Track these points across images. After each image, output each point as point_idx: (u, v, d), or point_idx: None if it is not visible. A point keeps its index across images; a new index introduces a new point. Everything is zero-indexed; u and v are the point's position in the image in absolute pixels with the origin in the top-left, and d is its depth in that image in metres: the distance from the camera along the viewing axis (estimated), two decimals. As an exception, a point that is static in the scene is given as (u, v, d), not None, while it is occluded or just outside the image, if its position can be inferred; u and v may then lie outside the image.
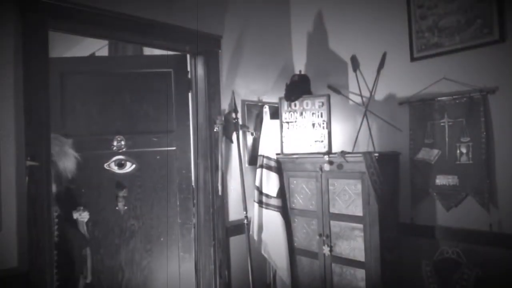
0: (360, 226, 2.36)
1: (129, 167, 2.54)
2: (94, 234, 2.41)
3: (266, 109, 2.77)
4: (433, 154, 2.41)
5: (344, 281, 2.44)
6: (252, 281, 2.55)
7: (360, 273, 2.36)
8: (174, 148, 2.65)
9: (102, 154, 2.50)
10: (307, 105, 2.70)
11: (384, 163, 2.29)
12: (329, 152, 2.56)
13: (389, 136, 2.60)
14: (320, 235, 2.55)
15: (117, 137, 2.52)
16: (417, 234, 2.48)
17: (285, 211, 2.73)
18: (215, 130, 2.60)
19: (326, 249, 2.51)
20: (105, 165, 2.50)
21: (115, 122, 2.55)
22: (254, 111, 2.90)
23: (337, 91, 2.84)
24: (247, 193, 2.66)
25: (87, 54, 3.70)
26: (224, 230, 2.64)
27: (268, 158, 2.68)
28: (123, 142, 2.54)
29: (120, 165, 2.52)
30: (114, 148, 2.52)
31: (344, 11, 2.94)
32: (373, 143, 2.55)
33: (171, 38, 2.46)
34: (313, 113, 2.68)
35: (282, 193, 2.71)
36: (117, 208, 2.48)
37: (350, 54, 2.84)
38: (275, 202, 2.65)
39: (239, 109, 2.76)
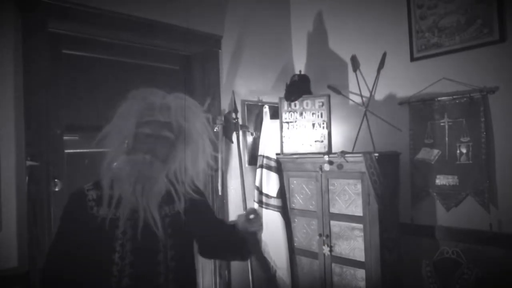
0: (360, 226, 2.36)
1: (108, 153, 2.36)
2: None
3: (266, 109, 2.77)
4: (433, 154, 2.41)
5: (344, 281, 2.44)
6: (252, 281, 2.55)
7: (360, 273, 2.36)
8: None
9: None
10: (307, 105, 2.70)
11: (384, 163, 2.29)
12: (329, 152, 2.56)
13: (389, 136, 2.60)
14: (320, 235, 2.55)
15: None
16: (417, 234, 2.48)
17: (285, 211, 2.73)
18: (215, 130, 2.60)
19: (326, 249, 2.51)
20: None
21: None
22: (254, 111, 2.90)
23: (337, 91, 2.84)
24: (247, 193, 2.66)
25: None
26: (224, 230, 2.63)
27: (268, 158, 2.68)
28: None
29: None
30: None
31: (344, 11, 2.94)
32: (373, 143, 2.55)
33: (171, 38, 2.46)
34: (313, 113, 2.68)
35: (282, 193, 2.71)
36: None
37: (350, 54, 2.84)
38: (275, 202, 2.65)
39: (239, 109, 2.76)
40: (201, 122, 1.39)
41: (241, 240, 1.39)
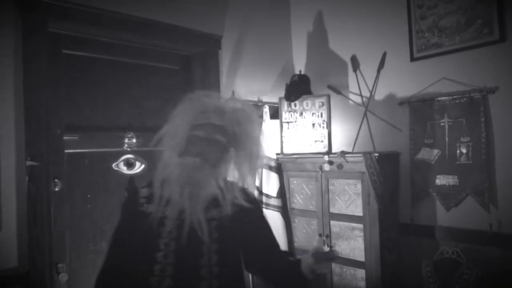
0: (360, 226, 2.36)
1: (138, 167, 2.38)
2: (102, 245, 2.24)
3: (266, 109, 2.77)
4: (433, 154, 2.41)
5: (344, 281, 2.44)
6: (252, 281, 2.55)
7: (360, 273, 2.36)
8: None
9: (110, 152, 2.31)
10: (307, 105, 2.70)
11: (384, 163, 2.29)
12: (329, 152, 2.56)
13: (389, 136, 2.60)
14: (320, 235, 2.55)
15: (127, 133, 2.34)
16: (417, 234, 2.48)
17: (285, 211, 2.73)
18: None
19: (326, 249, 2.51)
20: (114, 165, 2.31)
21: (125, 117, 2.37)
22: (254, 111, 2.89)
23: (337, 91, 2.84)
24: (247, 193, 2.66)
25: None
26: (224, 230, 2.63)
27: (268, 158, 2.68)
28: (134, 140, 2.34)
29: (129, 165, 2.35)
30: (126, 146, 2.33)
31: (344, 11, 2.94)
32: (373, 143, 2.55)
33: (171, 38, 2.46)
34: (313, 113, 2.68)
35: (282, 193, 2.71)
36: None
37: (350, 54, 2.83)
38: (275, 202, 2.65)
39: (239, 109, 2.75)
40: (256, 128, 1.35)
41: (303, 280, 1.33)
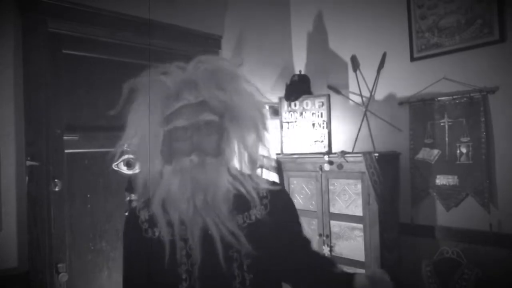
0: (360, 226, 2.36)
1: (138, 167, 2.41)
2: (102, 246, 2.25)
3: (266, 109, 2.77)
4: (433, 154, 2.41)
5: (344, 281, 2.44)
6: None
7: (360, 273, 2.36)
8: None
9: (110, 152, 2.33)
10: (307, 105, 2.70)
11: (384, 163, 2.29)
12: (329, 152, 2.56)
13: (389, 136, 2.60)
14: (320, 235, 2.55)
15: None
16: (417, 234, 2.48)
17: (285, 211, 2.72)
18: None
19: (326, 249, 2.51)
20: (114, 165, 2.31)
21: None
22: (254, 111, 2.89)
23: (337, 91, 2.84)
24: (247, 193, 2.65)
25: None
26: (224, 230, 2.62)
27: (268, 158, 2.68)
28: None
29: (129, 165, 2.34)
30: (126, 146, 2.37)
31: (344, 11, 2.94)
32: (373, 143, 2.55)
33: (171, 38, 2.46)
34: (313, 113, 2.68)
35: (282, 193, 2.71)
36: (126, 214, 2.29)
37: (350, 54, 2.83)
38: (275, 202, 2.65)
39: (239, 109, 2.75)
40: (245, 86, 1.02)
41: None
